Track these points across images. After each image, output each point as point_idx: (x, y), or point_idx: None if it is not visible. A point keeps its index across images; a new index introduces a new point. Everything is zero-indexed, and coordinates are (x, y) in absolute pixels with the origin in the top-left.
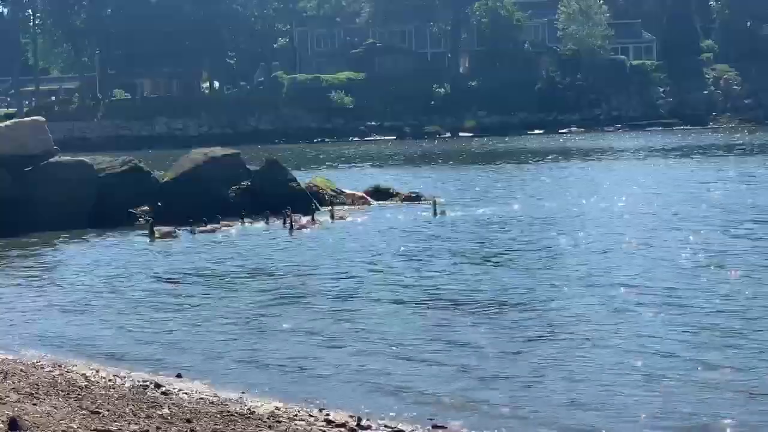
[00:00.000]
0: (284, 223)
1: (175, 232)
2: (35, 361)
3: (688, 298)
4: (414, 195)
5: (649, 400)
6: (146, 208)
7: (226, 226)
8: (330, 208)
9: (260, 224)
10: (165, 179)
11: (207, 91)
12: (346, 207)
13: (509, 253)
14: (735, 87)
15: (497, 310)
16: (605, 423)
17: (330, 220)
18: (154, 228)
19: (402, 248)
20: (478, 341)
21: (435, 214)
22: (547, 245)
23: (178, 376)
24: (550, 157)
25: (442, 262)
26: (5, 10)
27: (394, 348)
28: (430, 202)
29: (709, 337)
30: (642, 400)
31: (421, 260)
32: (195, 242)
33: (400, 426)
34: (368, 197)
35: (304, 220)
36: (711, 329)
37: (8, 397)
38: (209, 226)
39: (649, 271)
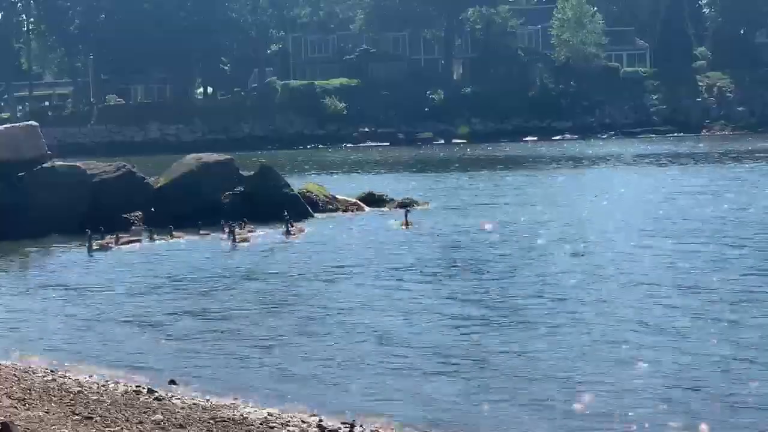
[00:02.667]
0: (230, 235)
1: (111, 244)
2: (28, 366)
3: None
4: (407, 201)
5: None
6: (139, 213)
7: (177, 236)
8: (287, 218)
9: (216, 235)
10: (158, 185)
11: (200, 97)
12: (336, 214)
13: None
14: (728, 94)
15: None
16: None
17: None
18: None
19: (324, 266)
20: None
21: (406, 225)
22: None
23: (171, 382)
24: (526, 164)
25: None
26: None
27: (386, 356)
28: (403, 212)
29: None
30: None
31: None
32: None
33: None
34: (361, 203)
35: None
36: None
37: (1, 402)
38: (127, 238)
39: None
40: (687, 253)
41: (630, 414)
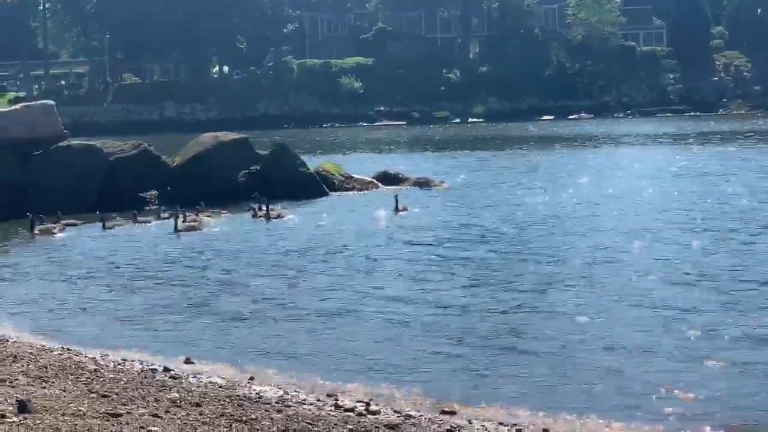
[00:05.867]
0: (178, 221)
1: (55, 228)
2: (44, 344)
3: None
4: (423, 180)
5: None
6: (155, 192)
7: (141, 221)
8: (264, 206)
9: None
10: (174, 163)
11: (216, 76)
12: (353, 192)
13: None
14: (745, 73)
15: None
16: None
17: (264, 220)
18: (35, 224)
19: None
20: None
21: (396, 210)
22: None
23: (187, 360)
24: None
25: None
26: None
27: (401, 336)
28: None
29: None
30: None
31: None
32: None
33: (408, 410)
34: (377, 182)
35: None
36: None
37: (17, 380)
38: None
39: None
40: None
41: None
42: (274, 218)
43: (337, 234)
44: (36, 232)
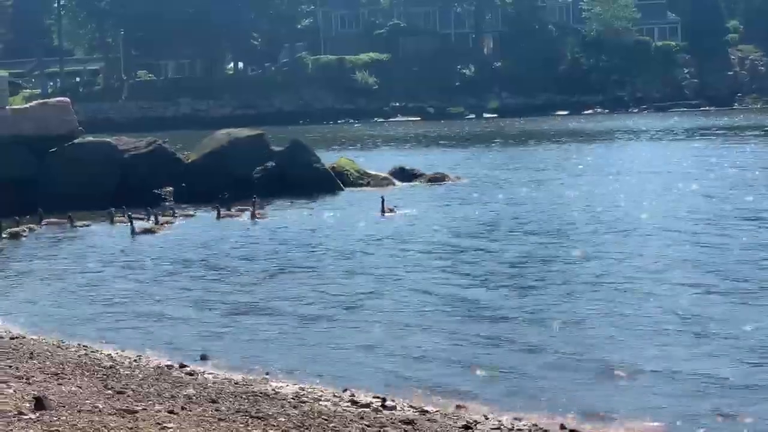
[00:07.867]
0: (145, 221)
1: (25, 231)
2: (60, 341)
3: None
4: (438, 176)
5: None
6: (170, 188)
7: (118, 220)
8: (252, 206)
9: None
10: (189, 160)
11: (231, 73)
12: (368, 188)
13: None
14: (760, 68)
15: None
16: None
17: (250, 220)
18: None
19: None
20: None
21: (383, 212)
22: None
23: (203, 357)
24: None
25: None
26: None
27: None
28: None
29: None
30: None
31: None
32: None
33: (424, 406)
34: (392, 178)
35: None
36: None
37: (34, 376)
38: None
39: None
40: None
41: None
42: (256, 218)
43: (316, 234)
44: (4, 235)
